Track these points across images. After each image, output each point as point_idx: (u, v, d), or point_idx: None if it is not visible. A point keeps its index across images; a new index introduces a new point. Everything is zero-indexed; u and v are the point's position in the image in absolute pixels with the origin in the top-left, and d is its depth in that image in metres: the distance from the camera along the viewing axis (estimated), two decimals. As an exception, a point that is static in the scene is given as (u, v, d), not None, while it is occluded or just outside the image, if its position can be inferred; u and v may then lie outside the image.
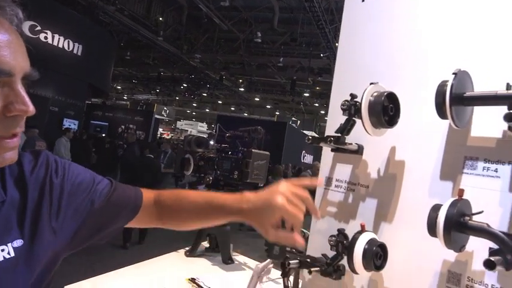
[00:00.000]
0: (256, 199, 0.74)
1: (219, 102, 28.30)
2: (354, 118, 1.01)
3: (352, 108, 0.99)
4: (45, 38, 9.91)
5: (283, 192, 0.72)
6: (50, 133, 9.23)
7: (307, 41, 14.42)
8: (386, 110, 0.92)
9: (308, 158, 17.47)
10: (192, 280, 1.82)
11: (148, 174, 6.19)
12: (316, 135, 1.06)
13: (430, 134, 0.98)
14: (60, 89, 11.20)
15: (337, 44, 10.62)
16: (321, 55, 14.59)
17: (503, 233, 0.74)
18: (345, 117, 1.04)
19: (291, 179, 0.76)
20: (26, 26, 9.27)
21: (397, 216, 1.02)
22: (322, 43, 13.24)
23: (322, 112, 26.31)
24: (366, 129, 0.94)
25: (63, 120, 11.29)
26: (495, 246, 0.79)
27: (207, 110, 31.16)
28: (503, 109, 0.82)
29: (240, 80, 21.33)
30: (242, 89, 22.41)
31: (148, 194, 0.88)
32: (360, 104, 0.93)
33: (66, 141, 8.45)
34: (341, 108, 1.01)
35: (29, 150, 0.72)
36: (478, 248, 0.86)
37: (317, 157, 19.09)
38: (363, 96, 0.93)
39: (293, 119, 23.78)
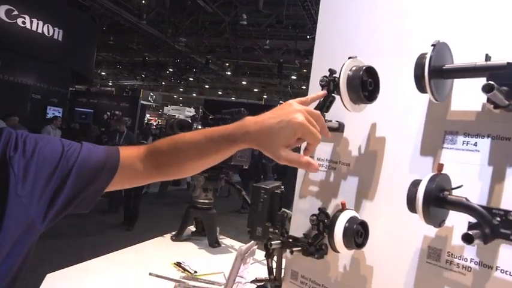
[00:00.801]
0: (264, 119, 0.70)
1: (206, 86, 28.01)
2: (333, 94, 0.98)
3: (331, 84, 0.96)
4: (23, 23, 9.60)
5: (301, 110, 0.69)
6: (34, 121, 9.06)
7: (293, 23, 14.27)
8: (365, 85, 0.90)
9: (296, 141, 17.49)
10: (178, 264, 1.81)
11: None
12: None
13: (410, 109, 0.96)
14: (42, 76, 10.93)
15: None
16: (307, 37, 14.46)
17: (482, 206, 0.73)
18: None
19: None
20: (2, 10, 8.97)
21: (378, 194, 1.01)
22: (308, 25, 13.12)
23: (310, 94, 26.23)
24: (344, 105, 0.92)
25: (47, 108, 11.06)
26: (474, 221, 0.79)
27: (194, 95, 30.85)
28: (483, 81, 0.80)
29: (227, 64, 21.11)
30: (229, 73, 22.20)
31: (132, 150, 0.83)
32: (338, 78, 0.90)
33: (53, 129, 8.33)
34: (320, 84, 0.98)
35: None
36: (458, 223, 0.85)
37: (305, 140, 19.11)
38: (341, 71, 0.90)
39: (281, 102, 23.57)
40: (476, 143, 0.85)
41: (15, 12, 9.33)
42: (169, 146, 0.80)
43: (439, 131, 0.91)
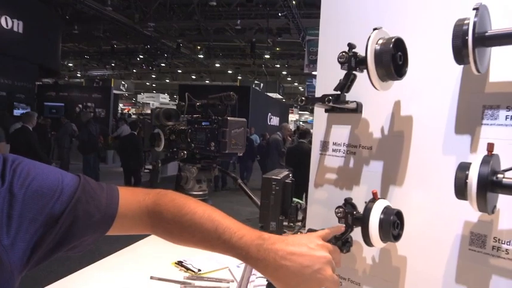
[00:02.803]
0: (290, 254, 0.64)
1: (179, 71, 27.41)
2: (354, 72, 0.88)
3: (352, 61, 0.86)
4: (-22, 15, 8.99)
5: (329, 258, 0.66)
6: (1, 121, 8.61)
7: (263, 1, 13.97)
8: (395, 60, 0.80)
9: (275, 120, 17.53)
10: (180, 263, 1.70)
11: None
12: (304, 97, 0.92)
13: (440, 83, 0.87)
14: (5, 71, 10.36)
15: (294, 2, 10.31)
16: (279, 14, 14.23)
17: (544, 188, 0.66)
18: (338, 72, 0.91)
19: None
20: (-47, 2, 8.35)
21: (408, 178, 0.92)
22: (278, 2, 12.87)
23: (284, 73, 26.19)
24: (372, 84, 0.81)
25: (13, 104, 10.55)
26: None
27: (167, 81, 30.15)
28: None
29: (198, 47, 20.63)
30: (201, 56, 21.74)
31: (134, 196, 0.74)
32: (365, 54, 0.79)
33: None
34: (338, 62, 0.87)
35: None
36: (504, 204, 0.77)
37: (284, 119, 19.16)
38: (367, 44, 0.79)
39: (256, 82, 23.50)
40: (522, 116, 0.76)
41: (-32, 4, 8.73)
42: (174, 218, 0.71)
43: (477, 105, 0.82)
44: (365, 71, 0.84)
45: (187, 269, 1.65)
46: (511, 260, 0.77)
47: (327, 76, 1.06)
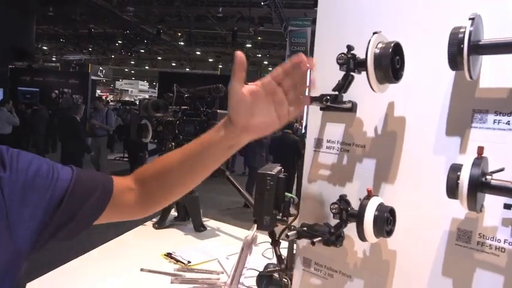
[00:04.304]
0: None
1: (159, 58, 26.91)
2: (352, 73, 0.91)
3: (350, 62, 0.89)
4: None
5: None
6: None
7: (246, -11, 13.85)
8: (393, 63, 0.83)
9: (255, 110, 17.46)
10: (169, 255, 1.72)
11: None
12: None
13: (433, 87, 0.91)
14: (-27, 53, 9.92)
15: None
16: (261, 3, 14.13)
17: (529, 189, 0.71)
18: (332, 72, 0.94)
19: None
20: None
21: (399, 176, 0.97)
22: (262, -10, 12.78)
23: (266, 63, 26.09)
24: (371, 86, 0.84)
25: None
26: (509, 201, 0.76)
27: (147, 68, 29.59)
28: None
29: (179, 34, 20.27)
30: (182, 43, 21.40)
31: (121, 179, 0.76)
32: (365, 57, 0.82)
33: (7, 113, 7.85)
34: (337, 63, 0.90)
35: None
36: (489, 203, 0.82)
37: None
38: (367, 48, 0.82)
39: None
40: (509, 121, 0.81)
41: None
42: (157, 167, 0.75)
43: (467, 109, 0.86)
44: (363, 72, 0.88)
45: (177, 260, 1.67)
46: (494, 255, 0.83)
47: (324, 74, 1.09)
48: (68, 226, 0.65)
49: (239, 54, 0.63)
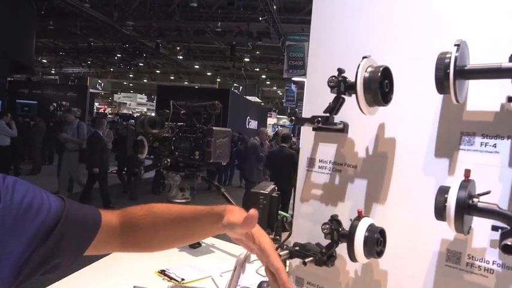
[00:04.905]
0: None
1: (157, 71, 27.10)
2: (343, 96, 0.93)
3: (341, 85, 0.91)
4: None
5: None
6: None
7: (244, 4, 14.04)
8: (382, 87, 0.85)
9: (253, 124, 17.57)
10: (162, 272, 1.71)
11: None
12: (294, 117, 0.97)
13: (422, 110, 0.93)
14: (-27, 66, 9.96)
15: (275, 7, 10.38)
16: (260, 18, 14.31)
17: (514, 212, 0.72)
18: (323, 94, 0.96)
19: None
20: None
21: (390, 197, 0.98)
22: (259, 6, 12.94)
23: (264, 77, 26.29)
24: (360, 108, 0.86)
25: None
26: (498, 224, 0.77)
27: (145, 81, 29.75)
28: (502, 81, 0.78)
29: (178, 48, 20.46)
30: (180, 57, 21.57)
31: (108, 215, 0.77)
32: (355, 80, 0.84)
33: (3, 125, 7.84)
34: (328, 85, 0.92)
35: None
36: (478, 225, 0.84)
37: (262, 122, 19.24)
38: (357, 72, 0.84)
39: (235, 85, 23.53)
40: (495, 144, 0.83)
41: None
42: (145, 218, 0.76)
43: (455, 132, 0.88)
44: (353, 95, 0.90)
45: (171, 278, 1.66)
46: (483, 276, 0.84)
47: (315, 96, 1.11)
48: (52, 261, 0.65)
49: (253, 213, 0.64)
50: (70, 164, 6.71)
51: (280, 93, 27.62)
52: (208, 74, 26.95)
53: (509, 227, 0.72)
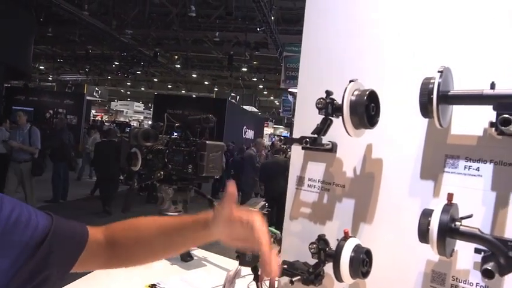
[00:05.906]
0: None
1: (155, 80, 27.15)
2: (330, 117, 0.95)
3: (329, 107, 0.92)
4: None
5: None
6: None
7: (242, 15, 14.15)
8: (368, 110, 0.87)
9: (250, 134, 17.61)
10: (153, 286, 1.70)
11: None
12: (283, 137, 0.98)
13: (409, 132, 0.95)
14: (-32, 72, 9.93)
15: (273, 18, 10.48)
16: (257, 29, 14.43)
17: (495, 237, 0.73)
18: (313, 113, 0.98)
19: None
20: None
21: (377, 217, 0.99)
22: (257, 17, 13.05)
23: (261, 86, 26.40)
24: (347, 131, 0.88)
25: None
26: (481, 248, 0.79)
27: (143, 89, 29.78)
28: (485, 107, 0.80)
29: (176, 57, 20.55)
30: (178, 66, 21.66)
31: (94, 230, 0.77)
32: (342, 103, 0.86)
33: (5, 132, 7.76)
34: (317, 107, 0.94)
35: None
36: (462, 247, 0.85)
37: (259, 132, 19.29)
38: (344, 95, 0.86)
39: (232, 94, 23.61)
40: (478, 167, 0.85)
41: None
42: (128, 233, 0.78)
43: (440, 155, 0.90)
44: (341, 117, 0.91)
45: (161, 292, 1.65)
46: (467, 298, 0.85)
47: (304, 115, 1.13)
48: (39, 276, 0.65)
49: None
50: (22, 177, 5.53)
51: (277, 103, 27.72)
52: (206, 83, 27.04)
53: (490, 251, 0.74)
